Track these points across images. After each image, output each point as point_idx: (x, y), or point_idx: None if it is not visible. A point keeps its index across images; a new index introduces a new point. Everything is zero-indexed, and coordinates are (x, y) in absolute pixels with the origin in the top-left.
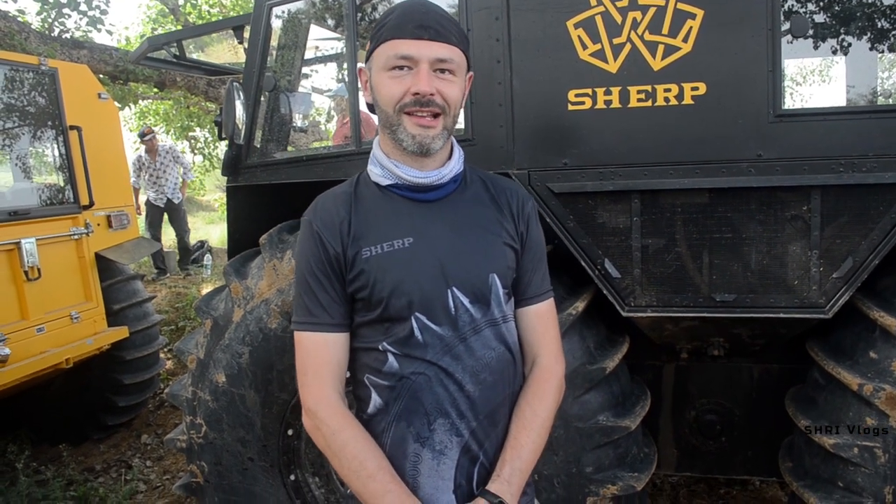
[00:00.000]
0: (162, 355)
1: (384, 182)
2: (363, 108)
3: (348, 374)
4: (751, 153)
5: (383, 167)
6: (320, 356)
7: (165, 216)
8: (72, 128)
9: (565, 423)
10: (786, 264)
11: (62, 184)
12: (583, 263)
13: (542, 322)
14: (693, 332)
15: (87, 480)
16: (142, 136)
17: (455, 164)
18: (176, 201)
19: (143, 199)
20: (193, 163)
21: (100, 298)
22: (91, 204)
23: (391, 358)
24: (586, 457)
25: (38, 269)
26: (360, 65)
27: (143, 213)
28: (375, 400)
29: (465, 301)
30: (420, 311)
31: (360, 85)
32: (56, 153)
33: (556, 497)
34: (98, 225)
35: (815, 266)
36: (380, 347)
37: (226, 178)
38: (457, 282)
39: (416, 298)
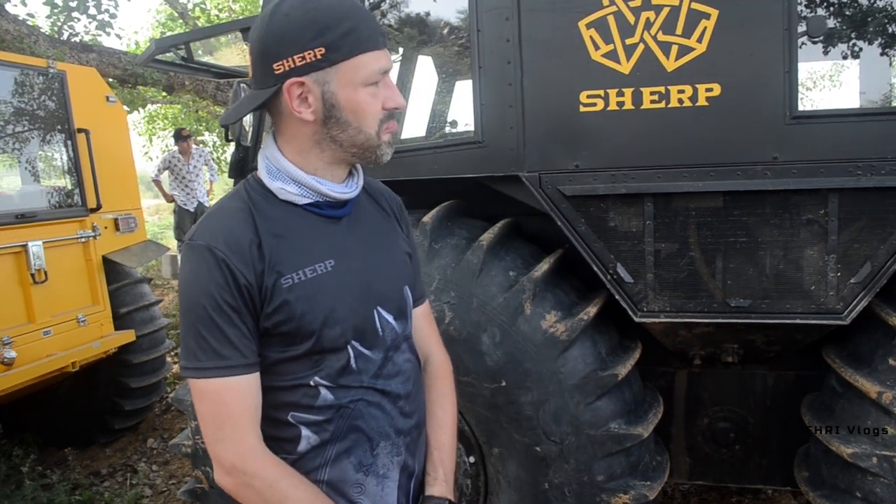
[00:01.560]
0: (168, 359)
1: (301, 201)
2: None
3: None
4: (766, 156)
5: (301, 184)
6: (235, 403)
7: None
8: (80, 130)
9: (576, 430)
10: (802, 269)
11: (70, 187)
12: (594, 268)
13: (427, 322)
14: (707, 339)
15: (93, 485)
16: (178, 135)
17: (362, 175)
18: (207, 205)
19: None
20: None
21: (107, 302)
22: (98, 207)
23: (324, 391)
24: (598, 465)
25: (45, 272)
26: (294, 79)
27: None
28: (308, 437)
29: (390, 318)
30: (354, 337)
31: (288, 100)
32: (64, 156)
33: None
34: (105, 228)
35: (833, 271)
36: (311, 383)
37: (232, 180)
38: (381, 300)
39: (350, 325)
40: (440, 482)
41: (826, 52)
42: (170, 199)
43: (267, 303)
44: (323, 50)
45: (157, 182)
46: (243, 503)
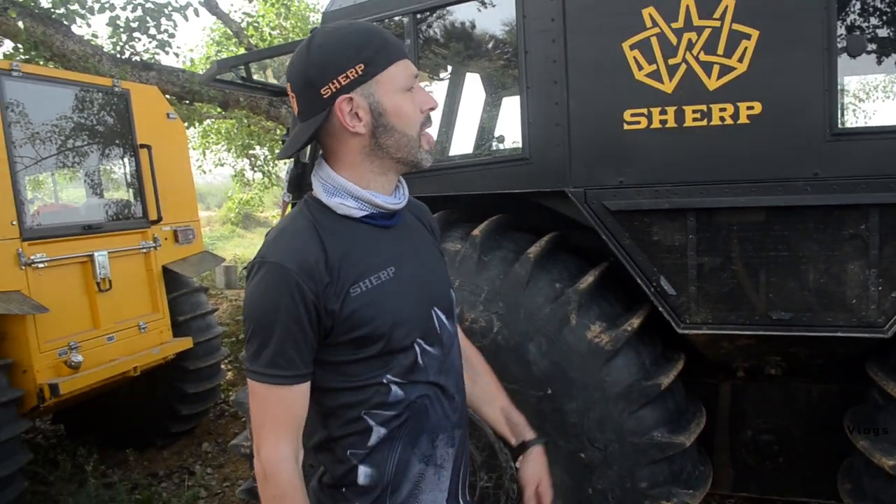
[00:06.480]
0: (223, 366)
1: (358, 214)
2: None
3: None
4: (807, 172)
5: (358, 199)
6: (280, 409)
7: None
8: (142, 146)
9: (620, 437)
10: (844, 283)
11: (132, 199)
12: (638, 280)
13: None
14: (749, 351)
15: (151, 485)
16: None
17: (406, 187)
18: None
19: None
20: (253, 180)
21: (166, 310)
22: (159, 219)
23: (395, 388)
24: (641, 472)
25: (109, 281)
26: (343, 96)
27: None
28: (378, 431)
29: (444, 318)
30: (420, 336)
31: (341, 117)
32: (127, 170)
33: None
34: (165, 239)
35: (874, 285)
36: (383, 381)
37: (292, 194)
38: (436, 302)
39: (415, 325)
40: (528, 426)
41: (872, 65)
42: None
43: (338, 313)
44: (362, 66)
45: (286, 204)
46: (259, 488)
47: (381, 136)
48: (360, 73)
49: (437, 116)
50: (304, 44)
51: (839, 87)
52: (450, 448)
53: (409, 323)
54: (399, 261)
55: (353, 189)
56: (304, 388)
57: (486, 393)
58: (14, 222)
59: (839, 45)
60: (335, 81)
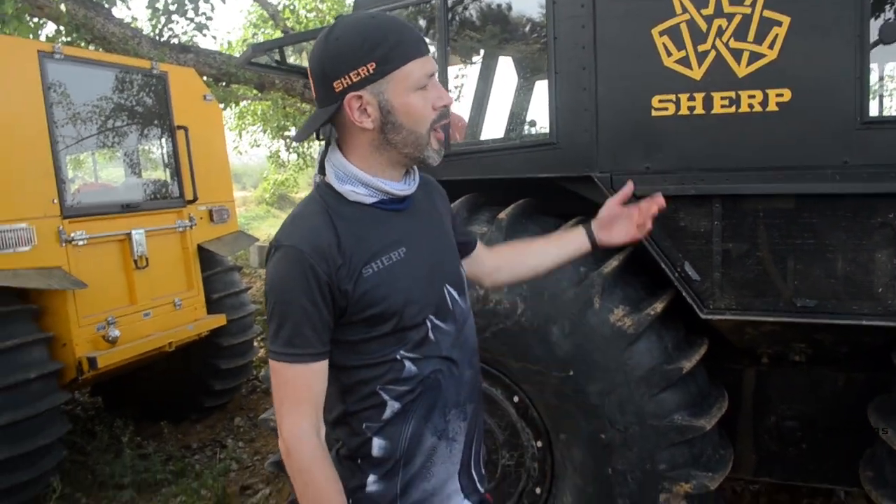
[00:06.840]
0: (255, 343)
1: (369, 200)
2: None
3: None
4: (836, 160)
5: (368, 186)
6: (299, 387)
7: None
8: (179, 127)
9: (640, 419)
10: (871, 271)
11: (169, 180)
12: (662, 265)
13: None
14: (774, 337)
15: (185, 457)
16: None
17: (418, 173)
18: None
19: None
20: (288, 161)
21: (200, 287)
22: (195, 199)
23: (409, 363)
24: (660, 454)
25: (146, 259)
26: (352, 93)
27: None
28: (392, 405)
29: (456, 294)
30: (431, 313)
31: (349, 112)
32: (164, 151)
33: (630, 492)
34: (201, 218)
35: None
36: (397, 357)
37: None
38: (447, 279)
39: (427, 302)
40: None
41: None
42: None
43: (351, 293)
44: (374, 64)
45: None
46: (285, 465)
47: (389, 132)
48: (371, 71)
49: (467, 100)
50: (325, 33)
51: (871, 75)
52: (462, 422)
53: (421, 301)
54: (410, 241)
55: (363, 177)
56: (321, 366)
57: (539, 257)
58: (55, 200)
59: (872, 32)
60: (347, 77)
